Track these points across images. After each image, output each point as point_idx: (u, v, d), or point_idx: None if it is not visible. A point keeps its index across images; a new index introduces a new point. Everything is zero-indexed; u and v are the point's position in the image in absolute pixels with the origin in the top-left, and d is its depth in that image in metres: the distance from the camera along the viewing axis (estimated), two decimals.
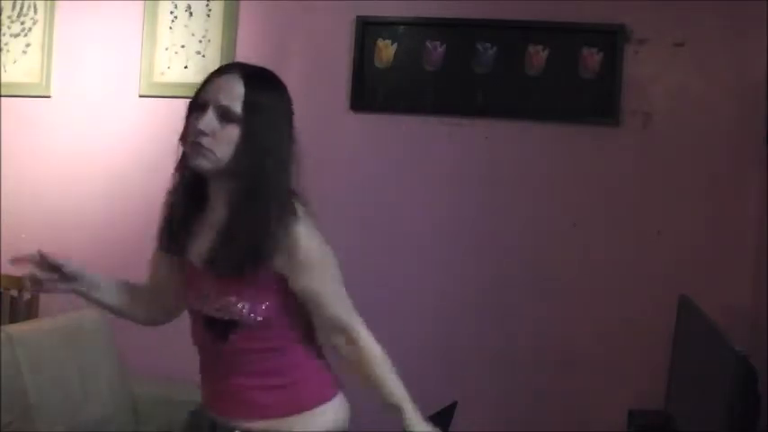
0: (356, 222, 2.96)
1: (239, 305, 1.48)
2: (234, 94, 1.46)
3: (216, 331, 1.52)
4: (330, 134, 2.97)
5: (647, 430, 2.48)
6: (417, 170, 2.95)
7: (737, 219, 2.74)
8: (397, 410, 1.61)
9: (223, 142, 1.45)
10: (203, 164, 1.47)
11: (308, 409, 1.56)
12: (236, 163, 1.45)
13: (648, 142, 2.81)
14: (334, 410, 1.60)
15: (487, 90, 2.90)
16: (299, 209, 1.52)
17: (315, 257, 1.52)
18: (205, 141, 1.45)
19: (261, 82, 1.52)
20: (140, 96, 3.14)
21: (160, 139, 3.09)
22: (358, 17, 2.96)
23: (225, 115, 1.45)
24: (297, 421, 1.54)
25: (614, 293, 2.80)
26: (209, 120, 1.45)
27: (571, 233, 2.85)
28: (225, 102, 1.45)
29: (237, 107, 1.45)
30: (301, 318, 1.56)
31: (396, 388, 1.64)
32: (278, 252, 1.45)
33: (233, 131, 1.45)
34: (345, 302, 1.60)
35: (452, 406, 2.12)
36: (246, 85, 1.47)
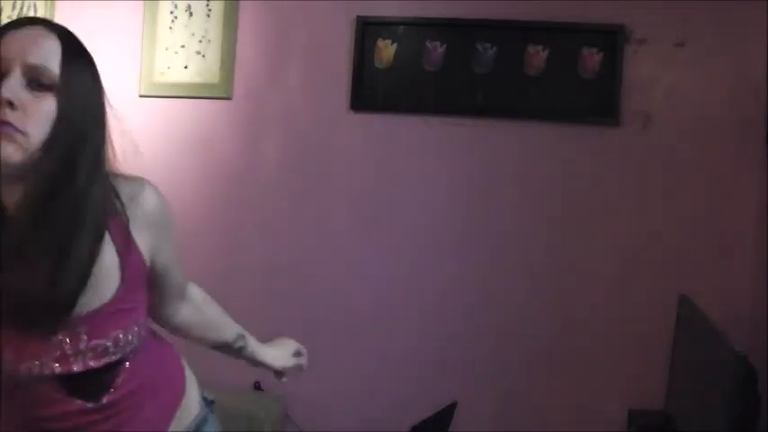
0: (356, 222, 2.96)
1: (120, 334, 1.14)
2: (46, 51, 1.07)
3: (90, 387, 1.13)
4: (330, 134, 2.97)
5: (647, 430, 2.48)
6: (417, 170, 2.95)
7: (737, 219, 2.74)
8: (241, 340, 1.47)
9: (34, 118, 1.03)
10: (12, 154, 1.01)
11: (183, 397, 1.37)
12: (48, 150, 1.04)
13: (648, 142, 2.81)
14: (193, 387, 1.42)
15: (487, 90, 2.90)
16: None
17: (170, 220, 1.24)
18: (12, 117, 1.01)
19: (77, 41, 1.18)
20: (140, 96, 3.14)
21: (160, 139, 3.09)
22: (358, 17, 2.96)
23: (36, 80, 1.05)
24: (182, 407, 1.36)
25: (614, 293, 2.81)
26: (14, 85, 1.02)
27: (571, 233, 2.85)
28: (36, 61, 1.05)
29: (54, 69, 1.07)
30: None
31: (231, 321, 1.47)
32: (138, 224, 1.16)
33: (49, 103, 1.05)
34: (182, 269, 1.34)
35: (452, 406, 2.12)
36: (63, 43, 1.10)
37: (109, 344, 1.12)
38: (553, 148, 2.87)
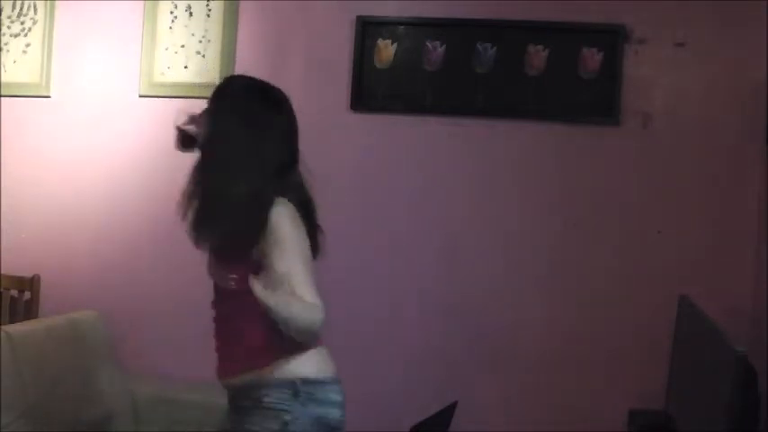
0: (356, 222, 2.96)
1: (220, 270, 1.75)
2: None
3: (217, 294, 1.81)
4: (330, 134, 2.97)
5: (647, 430, 2.48)
6: (417, 170, 2.95)
7: (737, 219, 2.74)
8: None
9: None
10: None
11: (277, 360, 1.72)
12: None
13: (648, 142, 2.81)
14: (305, 359, 1.74)
15: (487, 90, 2.90)
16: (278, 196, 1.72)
17: (287, 239, 1.69)
18: None
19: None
20: (140, 96, 3.14)
21: (160, 139, 3.09)
22: (358, 17, 2.96)
23: None
24: (265, 370, 1.72)
25: (614, 293, 2.80)
26: None
27: (571, 233, 2.85)
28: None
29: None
30: None
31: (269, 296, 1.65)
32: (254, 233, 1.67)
33: None
34: (306, 283, 1.68)
35: (452, 406, 2.12)
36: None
37: (213, 269, 1.79)
38: (553, 148, 2.87)
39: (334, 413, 1.75)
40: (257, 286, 1.56)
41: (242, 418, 1.74)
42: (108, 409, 2.60)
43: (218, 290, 1.81)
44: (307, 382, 1.71)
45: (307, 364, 1.73)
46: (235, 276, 1.70)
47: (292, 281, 1.64)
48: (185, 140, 1.89)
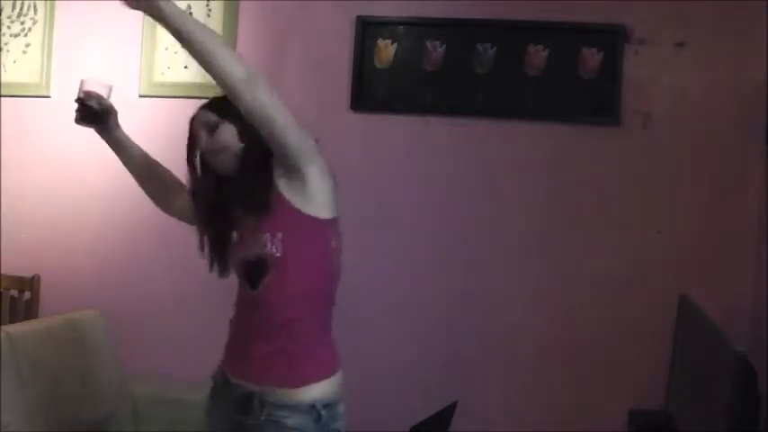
0: (356, 222, 2.94)
1: (262, 237, 1.66)
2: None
3: (249, 274, 1.71)
4: (330, 134, 2.95)
5: (647, 430, 2.48)
6: (417, 170, 2.95)
7: (737, 219, 2.74)
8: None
9: None
10: None
11: (308, 383, 1.69)
12: None
13: (648, 142, 2.81)
14: (328, 384, 1.73)
15: (487, 90, 2.90)
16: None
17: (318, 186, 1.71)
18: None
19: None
20: (140, 96, 3.14)
21: (160, 139, 3.09)
22: (358, 17, 2.96)
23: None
24: (296, 392, 1.68)
25: (614, 293, 2.80)
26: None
27: (571, 233, 2.85)
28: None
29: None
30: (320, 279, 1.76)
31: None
32: (289, 186, 1.66)
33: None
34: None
35: (452, 406, 2.12)
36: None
37: (253, 241, 1.72)
38: (553, 148, 2.87)
39: (341, 426, 1.75)
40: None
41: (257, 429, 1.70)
42: (108, 409, 2.60)
43: (255, 269, 1.72)
44: (327, 405, 1.70)
45: (328, 389, 1.72)
46: (279, 235, 1.67)
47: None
48: (87, 115, 1.87)
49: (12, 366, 2.26)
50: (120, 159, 1.98)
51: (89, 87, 1.87)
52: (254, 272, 1.70)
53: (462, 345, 2.90)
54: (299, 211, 1.68)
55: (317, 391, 1.69)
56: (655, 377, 2.64)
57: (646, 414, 2.56)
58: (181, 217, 1.97)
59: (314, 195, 1.69)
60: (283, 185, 1.68)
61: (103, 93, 1.88)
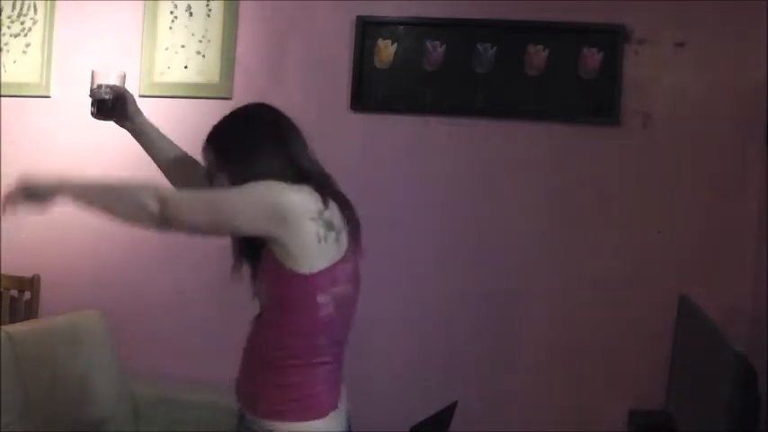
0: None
1: (257, 284, 1.67)
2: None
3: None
4: (330, 134, 2.97)
5: (647, 430, 2.48)
6: (417, 170, 2.95)
7: (737, 219, 2.74)
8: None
9: None
10: None
11: (305, 420, 1.62)
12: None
13: (648, 142, 2.81)
14: (326, 423, 1.65)
15: (487, 90, 2.90)
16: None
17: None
18: None
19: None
20: (140, 96, 3.12)
21: None
22: (358, 17, 2.96)
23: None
24: (274, 424, 1.61)
25: (614, 293, 2.80)
26: None
27: (571, 233, 2.85)
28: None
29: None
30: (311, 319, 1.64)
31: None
32: (272, 242, 1.58)
33: None
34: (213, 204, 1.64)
35: (452, 406, 2.12)
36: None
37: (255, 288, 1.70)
38: (553, 148, 2.87)
39: None
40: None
41: None
42: (108, 409, 2.60)
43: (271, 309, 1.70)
44: None
45: (324, 426, 1.64)
46: (264, 286, 1.66)
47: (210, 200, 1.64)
48: (102, 108, 1.84)
49: (12, 366, 2.26)
50: (144, 148, 1.94)
51: (100, 79, 1.83)
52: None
53: (462, 345, 2.90)
54: (281, 265, 1.58)
55: (313, 426, 1.62)
56: (655, 377, 2.64)
57: (646, 414, 2.56)
58: None
59: (295, 254, 1.57)
60: (270, 240, 1.60)
61: (116, 82, 1.84)
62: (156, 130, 1.94)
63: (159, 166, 1.95)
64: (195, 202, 1.63)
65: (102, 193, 1.65)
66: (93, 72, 1.83)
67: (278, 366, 1.63)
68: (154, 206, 1.56)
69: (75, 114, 3.21)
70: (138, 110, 1.89)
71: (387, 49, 2.97)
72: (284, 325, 1.63)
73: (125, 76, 1.87)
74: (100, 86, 1.82)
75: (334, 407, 1.67)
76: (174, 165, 1.94)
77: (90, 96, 1.83)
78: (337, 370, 1.71)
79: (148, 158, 3.16)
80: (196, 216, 1.61)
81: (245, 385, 1.71)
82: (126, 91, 1.86)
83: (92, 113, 1.84)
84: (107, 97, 1.81)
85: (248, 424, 1.66)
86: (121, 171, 3.16)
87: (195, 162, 1.91)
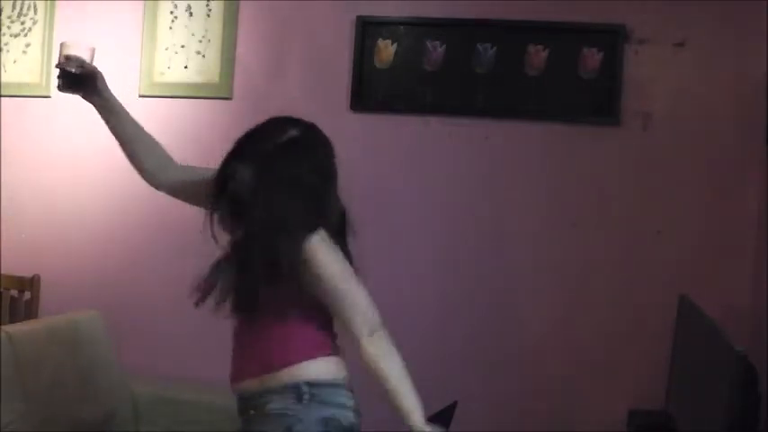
0: (355, 222, 2.95)
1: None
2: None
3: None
4: (330, 134, 2.95)
5: (647, 430, 2.48)
6: (417, 170, 2.95)
7: (737, 219, 2.74)
8: (409, 419, 1.74)
9: None
10: None
11: (291, 364, 1.70)
12: None
13: (648, 142, 2.81)
14: (317, 364, 1.73)
15: (487, 90, 2.90)
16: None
17: (326, 269, 1.68)
18: None
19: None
20: (140, 96, 3.14)
21: (160, 139, 3.09)
22: (358, 17, 2.96)
23: None
24: (278, 374, 1.69)
25: (614, 293, 2.80)
26: None
27: (571, 233, 2.85)
28: None
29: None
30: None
31: (404, 399, 1.76)
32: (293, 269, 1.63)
33: None
34: (357, 311, 1.75)
35: (452, 406, 2.12)
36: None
37: None
38: (553, 148, 2.87)
39: (344, 414, 1.72)
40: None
41: (247, 427, 1.73)
42: (108, 409, 2.60)
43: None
44: (311, 384, 1.69)
45: (312, 368, 1.70)
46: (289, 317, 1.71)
47: (344, 299, 1.72)
48: (69, 81, 1.79)
49: (12, 366, 2.26)
50: (107, 125, 1.89)
51: (69, 51, 1.78)
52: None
53: (462, 345, 2.90)
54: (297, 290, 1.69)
55: (301, 371, 1.69)
56: (655, 377, 2.64)
57: (646, 414, 2.56)
58: (173, 193, 1.93)
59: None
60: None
61: (85, 56, 1.78)
62: (123, 108, 1.89)
63: (123, 147, 1.91)
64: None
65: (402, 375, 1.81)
66: (61, 44, 1.79)
67: (281, 336, 1.71)
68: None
69: (75, 114, 3.21)
70: (106, 86, 1.85)
71: (387, 49, 2.97)
72: (284, 324, 1.72)
73: (94, 50, 1.82)
74: (68, 58, 1.77)
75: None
76: (139, 148, 1.91)
77: (57, 68, 1.79)
78: None
79: None
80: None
81: (241, 357, 1.75)
82: (95, 67, 1.82)
83: (57, 86, 1.81)
84: (74, 71, 1.77)
85: (248, 392, 1.71)
86: (121, 172, 3.16)
87: (163, 150, 1.92)
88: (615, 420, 2.64)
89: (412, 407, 1.72)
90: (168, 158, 1.92)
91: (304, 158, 1.75)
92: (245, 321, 1.74)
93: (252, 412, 1.71)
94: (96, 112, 1.88)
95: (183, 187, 1.90)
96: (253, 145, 1.73)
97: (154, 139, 1.92)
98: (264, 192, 1.65)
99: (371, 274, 2.93)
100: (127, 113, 1.89)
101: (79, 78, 1.78)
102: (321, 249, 1.67)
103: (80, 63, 1.77)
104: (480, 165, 2.92)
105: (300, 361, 1.70)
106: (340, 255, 1.73)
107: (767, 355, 2.24)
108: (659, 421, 2.46)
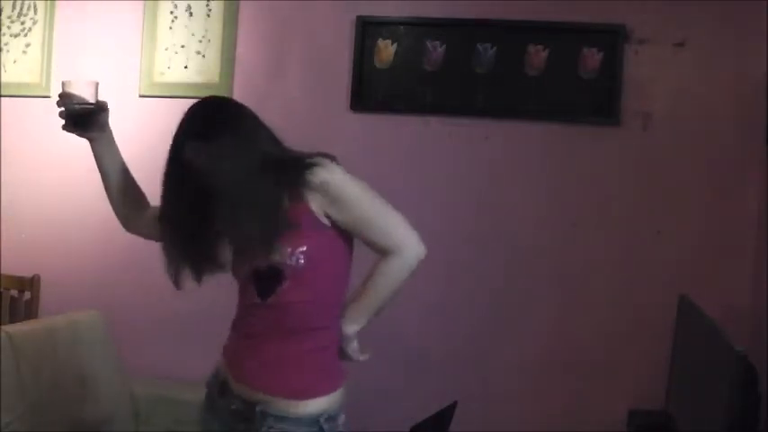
0: None
1: (279, 249, 1.59)
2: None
3: (264, 284, 1.63)
4: (330, 134, 2.97)
5: (647, 430, 2.48)
6: (417, 170, 2.95)
7: (737, 219, 2.74)
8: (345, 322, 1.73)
9: None
10: None
11: (315, 396, 1.65)
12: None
13: (648, 142, 2.81)
14: (334, 397, 1.68)
15: (487, 90, 2.90)
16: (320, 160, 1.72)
17: (347, 189, 1.74)
18: None
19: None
20: (140, 96, 3.14)
21: (160, 139, 3.09)
22: (358, 17, 2.96)
23: None
24: (302, 404, 1.63)
25: (614, 293, 2.80)
26: None
27: (571, 233, 2.85)
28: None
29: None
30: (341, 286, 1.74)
31: (360, 309, 1.77)
32: (311, 194, 1.63)
33: None
34: (391, 223, 1.82)
35: (452, 406, 2.12)
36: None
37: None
38: (553, 148, 2.87)
39: None
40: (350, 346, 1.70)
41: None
42: (108, 409, 2.60)
43: (271, 278, 1.65)
44: (329, 418, 1.65)
45: (333, 400, 1.67)
46: (303, 249, 1.60)
47: (374, 222, 1.76)
48: (72, 121, 1.76)
49: (12, 366, 2.26)
50: (101, 161, 1.89)
51: (71, 89, 1.73)
52: (265, 281, 1.63)
53: (462, 345, 2.90)
54: (325, 226, 1.65)
55: (322, 404, 1.64)
56: (655, 377, 2.64)
57: (646, 414, 2.56)
58: (146, 234, 1.89)
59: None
60: (313, 201, 1.64)
61: (88, 92, 1.74)
62: (119, 152, 1.91)
63: (111, 190, 1.91)
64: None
65: (381, 303, 1.81)
66: (63, 82, 1.74)
67: (307, 339, 1.66)
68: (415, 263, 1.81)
69: None
70: (107, 120, 1.82)
71: (387, 49, 2.97)
72: (319, 291, 1.66)
73: (98, 84, 1.77)
74: (68, 96, 1.74)
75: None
76: (126, 192, 1.92)
77: (66, 109, 1.75)
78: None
79: (149, 158, 3.16)
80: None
81: (259, 362, 1.65)
82: (102, 103, 1.78)
83: (62, 127, 1.76)
84: (75, 109, 1.73)
85: (265, 409, 1.62)
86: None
87: (141, 192, 1.92)
88: (615, 420, 2.64)
89: (359, 318, 1.76)
90: (142, 205, 1.91)
91: (244, 118, 1.72)
92: (260, 312, 1.66)
93: (264, 430, 1.63)
94: (90, 145, 1.86)
95: (151, 232, 1.86)
96: (196, 125, 1.77)
97: (134, 182, 1.93)
98: (229, 152, 1.64)
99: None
100: (120, 157, 1.91)
101: (83, 116, 1.76)
102: (337, 171, 1.76)
103: (80, 101, 1.74)
104: (480, 165, 2.92)
105: (326, 393, 1.66)
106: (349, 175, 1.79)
107: (767, 355, 2.24)
108: (659, 421, 2.47)
